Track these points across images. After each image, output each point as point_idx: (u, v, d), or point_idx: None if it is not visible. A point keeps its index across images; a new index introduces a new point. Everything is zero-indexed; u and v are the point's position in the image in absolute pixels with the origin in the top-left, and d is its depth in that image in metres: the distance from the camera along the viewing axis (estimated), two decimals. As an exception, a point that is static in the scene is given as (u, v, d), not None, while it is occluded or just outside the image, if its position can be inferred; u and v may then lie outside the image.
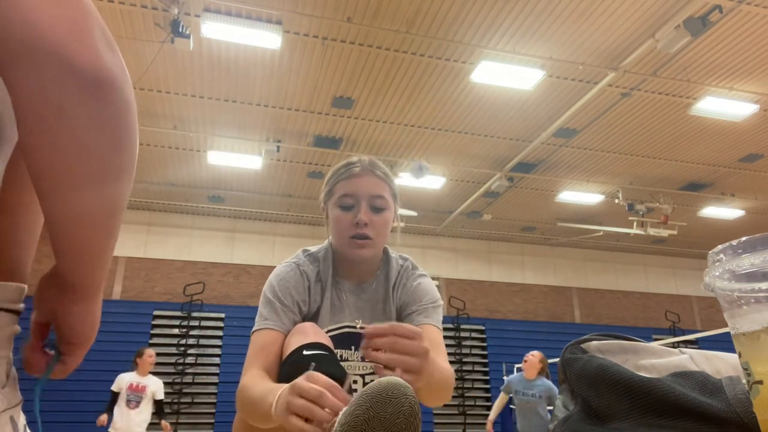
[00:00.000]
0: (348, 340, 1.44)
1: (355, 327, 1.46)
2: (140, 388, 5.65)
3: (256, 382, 1.20)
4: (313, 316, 1.44)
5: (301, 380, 0.94)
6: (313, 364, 1.15)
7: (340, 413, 0.86)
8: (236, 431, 1.39)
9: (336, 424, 0.85)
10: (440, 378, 1.19)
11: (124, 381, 5.71)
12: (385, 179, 1.48)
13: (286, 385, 1.02)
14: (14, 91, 0.46)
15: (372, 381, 1.42)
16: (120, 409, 5.60)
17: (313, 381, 0.94)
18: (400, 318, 1.48)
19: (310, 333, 1.30)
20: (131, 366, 5.86)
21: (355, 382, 1.42)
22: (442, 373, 1.21)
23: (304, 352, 1.22)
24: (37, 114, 0.47)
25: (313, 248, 1.53)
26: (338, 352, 1.42)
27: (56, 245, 0.57)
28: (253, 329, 1.37)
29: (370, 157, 1.51)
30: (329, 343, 1.32)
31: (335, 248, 1.49)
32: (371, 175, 1.45)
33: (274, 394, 1.04)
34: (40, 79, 0.45)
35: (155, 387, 5.78)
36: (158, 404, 5.80)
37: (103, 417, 5.63)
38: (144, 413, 5.65)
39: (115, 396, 5.66)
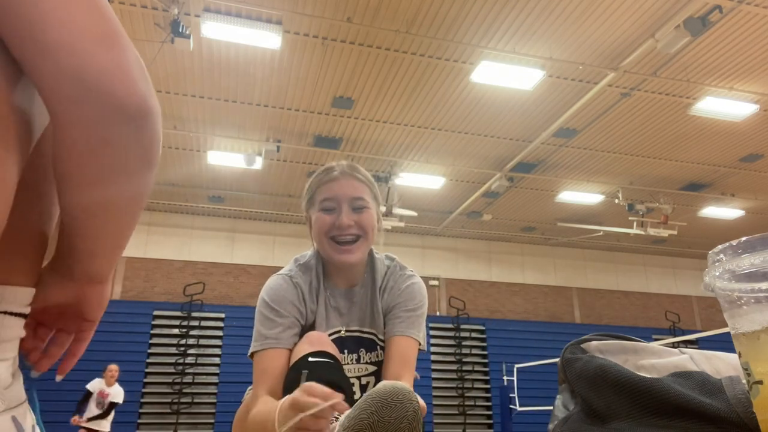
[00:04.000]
0: (340, 344, 1.44)
1: (339, 332, 1.45)
2: (104, 395, 7.39)
3: (258, 409, 1.19)
4: (310, 326, 1.44)
5: (299, 395, 0.93)
6: (305, 372, 1.15)
7: (343, 416, 0.86)
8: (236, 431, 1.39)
9: (339, 427, 0.85)
10: None
11: (96, 386, 7.40)
12: (365, 182, 1.47)
13: (285, 399, 1.02)
14: (63, 127, 0.50)
15: (368, 383, 1.43)
16: (90, 408, 7.29)
17: (311, 393, 0.92)
18: (385, 320, 1.47)
19: (316, 342, 1.31)
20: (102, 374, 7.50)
21: (352, 384, 1.42)
22: None
23: (310, 359, 1.23)
24: (84, 146, 0.51)
25: (303, 257, 1.52)
26: None
27: (76, 241, 0.61)
28: (253, 350, 1.35)
29: (349, 162, 1.51)
30: (336, 353, 1.33)
31: (321, 254, 1.48)
32: (351, 178, 1.45)
33: (274, 411, 1.04)
34: (90, 116, 0.49)
35: (114, 394, 7.45)
36: (111, 405, 7.39)
37: (76, 418, 7.22)
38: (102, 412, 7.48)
39: (89, 394, 7.35)
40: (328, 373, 1.18)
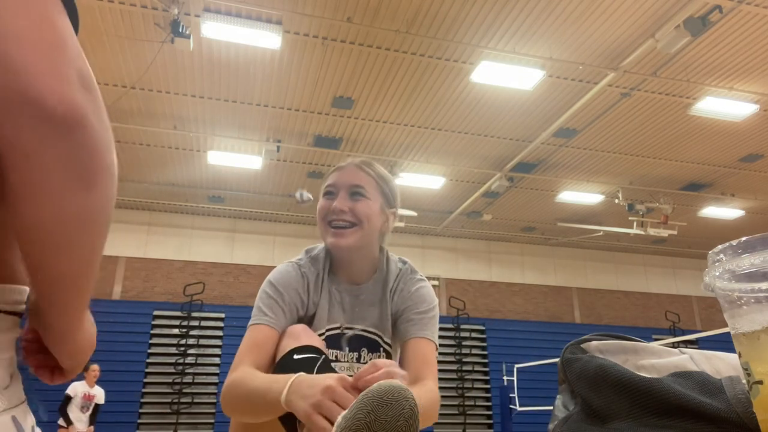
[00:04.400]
0: (341, 341, 1.44)
1: (339, 328, 1.45)
2: (90, 398, 7.34)
3: (255, 375, 1.19)
4: (311, 317, 1.44)
5: (338, 386, 0.96)
6: (323, 357, 1.16)
7: (340, 416, 0.86)
8: None
9: (336, 427, 0.85)
10: (424, 406, 1.17)
11: (78, 389, 7.27)
12: (372, 175, 1.47)
13: (299, 374, 1.04)
14: None
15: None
16: (74, 413, 7.20)
17: (350, 391, 0.96)
18: (395, 323, 1.47)
19: (301, 336, 1.30)
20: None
21: None
22: (425, 402, 1.19)
23: (294, 357, 1.22)
24: (4, 159, 0.46)
25: (314, 249, 1.53)
26: (332, 352, 1.42)
27: (31, 280, 0.55)
28: (249, 323, 1.35)
29: (365, 158, 1.52)
30: (321, 346, 1.32)
31: (324, 242, 1.49)
32: (356, 169, 1.47)
33: (281, 383, 1.05)
34: (7, 124, 0.44)
35: (99, 396, 7.45)
36: (96, 408, 7.40)
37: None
38: (89, 415, 7.44)
39: (69, 399, 7.20)
40: (315, 370, 1.18)
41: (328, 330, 1.44)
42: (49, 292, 0.55)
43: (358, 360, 1.44)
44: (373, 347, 1.46)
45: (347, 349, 1.43)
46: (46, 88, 0.45)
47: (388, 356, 1.47)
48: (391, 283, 1.49)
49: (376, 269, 1.51)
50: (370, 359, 1.44)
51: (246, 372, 1.21)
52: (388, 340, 1.47)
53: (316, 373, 1.14)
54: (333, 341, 1.43)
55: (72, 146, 0.47)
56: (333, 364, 1.39)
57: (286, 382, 1.04)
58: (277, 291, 1.38)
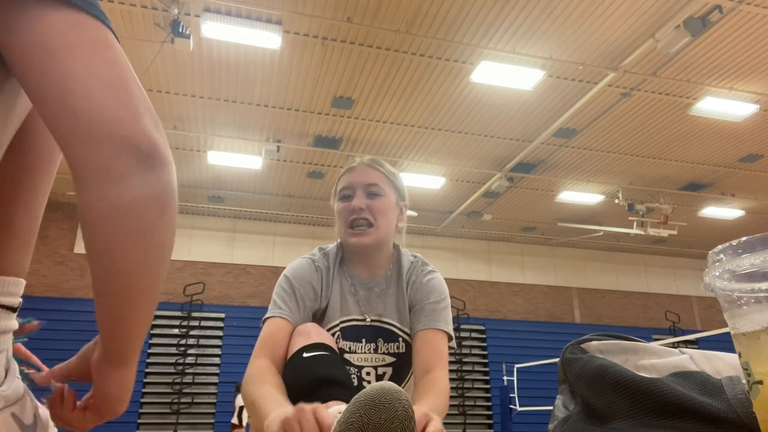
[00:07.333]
0: (357, 332, 1.46)
1: (364, 320, 1.48)
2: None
3: (261, 382, 1.20)
4: (324, 310, 1.47)
5: (293, 419, 0.90)
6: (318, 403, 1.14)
7: (335, 422, 0.85)
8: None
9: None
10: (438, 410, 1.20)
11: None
12: (383, 172, 1.52)
13: (280, 411, 0.97)
14: (77, 167, 0.53)
15: (384, 373, 1.45)
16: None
17: (300, 420, 0.90)
18: (410, 315, 1.50)
19: (312, 334, 1.32)
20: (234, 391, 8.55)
21: (368, 374, 1.44)
22: (439, 406, 1.22)
23: (304, 355, 1.24)
24: (96, 184, 0.52)
25: (327, 247, 1.58)
26: (347, 344, 1.44)
27: (100, 312, 0.60)
28: (265, 316, 1.39)
29: (373, 157, 1.57)
30: (332, 343, 1.34)
31: (343, 242, 1.53)
32: (368, 168, 1.52)
33: (267, 411, 1.01)
34: (101, 155, 0.52)
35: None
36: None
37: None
38: None
39: (242, 408, 8.25)
40: (326, 367, 1.19)
41: (342, 321, 1.46)
42: (119, 309, 0.60)
43: (375, 351, 1.47)
44: (389, 338, 1.48)
45: (363, 340, 1.46)
46: (133, 129, 0.53)
47: (408, 346, 1.49)
48: (405, 276, 1.54)
49: (392, 263, 1.56)
50: (387, 350, 1.47)
51: (259, 369, 1.24)
52: (407, 330, 1.50)
53: (326, 370, 1.15)
54: (349, 333, 1.46)
55: (153, 176, 0.54)
56: (348, 356, 1.43)
57: (271, 412, 0.99)
58: (291, 285, 1.42)
